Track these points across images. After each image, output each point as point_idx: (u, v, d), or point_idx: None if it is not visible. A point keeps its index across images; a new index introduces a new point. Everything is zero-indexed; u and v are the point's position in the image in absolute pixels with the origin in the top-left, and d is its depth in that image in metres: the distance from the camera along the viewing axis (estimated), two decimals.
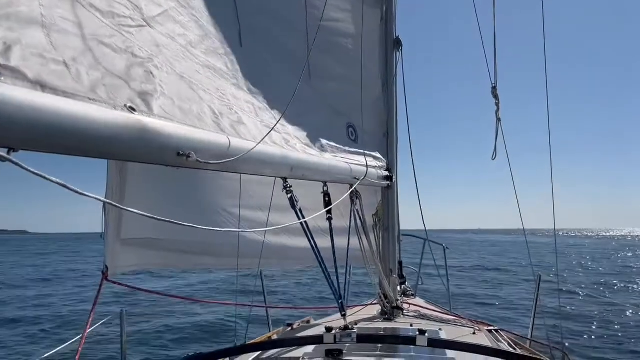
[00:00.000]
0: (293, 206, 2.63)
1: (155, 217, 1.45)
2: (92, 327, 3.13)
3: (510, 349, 3.25)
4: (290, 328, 3.86)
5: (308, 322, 4.11)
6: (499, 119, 4.30)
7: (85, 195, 1.26)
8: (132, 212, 1.42)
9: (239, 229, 4.11)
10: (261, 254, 4.16)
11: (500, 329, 3.95)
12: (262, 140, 2.26)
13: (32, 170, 1.10)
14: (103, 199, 1.44)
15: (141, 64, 1.75)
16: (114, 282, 3.41)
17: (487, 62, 4.31)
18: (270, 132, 2.45)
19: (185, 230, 1.63)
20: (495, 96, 4.29)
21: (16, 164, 1.06)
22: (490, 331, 3.69)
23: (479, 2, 4.64)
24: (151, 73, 1.78)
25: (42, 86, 1.19)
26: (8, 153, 1.06)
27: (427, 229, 4.86)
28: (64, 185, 1.18)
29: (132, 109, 1.49)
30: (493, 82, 4.27)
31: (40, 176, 1.12)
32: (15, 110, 1.06)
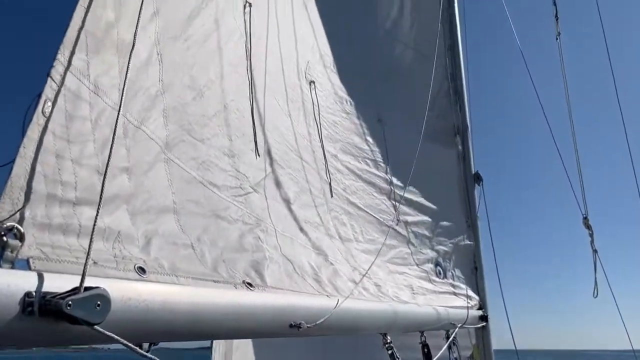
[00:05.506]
0: None
1: None
2: None
3: None
4: None
5: None
6: (595, 251, 4.05)
7: None
8: None
9: None
10: None
11: None
12: (350, 294, 2.23)
13: None
14: None
15: (250, 231, 1.84)
16: None
17: (575, 193, 4.19)
18: (359, 282, 2.43)
19: None
20: (588, 227, 4.09)
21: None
22: None
23: (557, 132, 4.66)
24: (259, 238, 1.86)
25: (177, 276, 1.25)
26: (149, 349, 1.09)
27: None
28: None
29: (249, 285, 1.53)
30: (583, 212, 4.10)
31: None
32: (159, 307, 1.11)
